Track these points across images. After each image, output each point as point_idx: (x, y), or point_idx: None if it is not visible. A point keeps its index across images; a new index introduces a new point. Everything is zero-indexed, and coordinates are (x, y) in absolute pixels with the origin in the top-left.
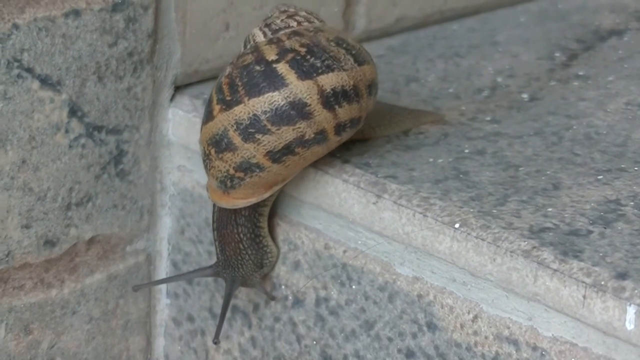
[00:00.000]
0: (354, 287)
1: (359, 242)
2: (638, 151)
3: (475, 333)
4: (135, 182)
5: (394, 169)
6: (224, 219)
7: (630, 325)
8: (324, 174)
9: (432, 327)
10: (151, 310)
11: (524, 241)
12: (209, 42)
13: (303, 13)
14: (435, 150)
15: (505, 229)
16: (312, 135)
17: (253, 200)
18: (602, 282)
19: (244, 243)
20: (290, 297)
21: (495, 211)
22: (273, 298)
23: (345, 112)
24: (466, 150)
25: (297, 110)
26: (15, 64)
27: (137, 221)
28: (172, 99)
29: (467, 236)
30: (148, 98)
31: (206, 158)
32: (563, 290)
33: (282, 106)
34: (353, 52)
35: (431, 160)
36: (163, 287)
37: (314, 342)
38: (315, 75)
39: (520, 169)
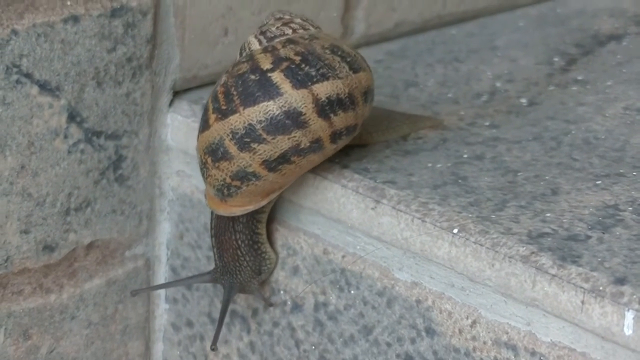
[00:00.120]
0: (352, 292)
1: (358, 247)
2: (636, 156)
3: (473, 338)
4: (134, 187)
5: (393, 174)
6: (221, 226)
7: (628, 331)
8: (322, 179)
9: (430, 332)
10: (150, 315)
11: (523, 246)
12: (208, 47)
13: (298, 20)
14: (434, 156)
15: (504, 234)
16: (308, 144)
17: (250, 208)
18: (601, 288)
19: (242, 249)
20: (289, 302)
21: (493, 216)
22: (271, 304)
23: (340, 120)
24: (465, 156)
25: (292, 120)
26: (14, 69)
27: (136, 226)
28: (170, 104)
29: (466, 241)
30: (147, 103)
31: (203, 166)
32: (561, 296)
33: (277, 115)
34: (348, 59)
35: (430, 165)
36: (162, 292)
37: (313, 347)
38: (310, 84)
39: (519, 174)
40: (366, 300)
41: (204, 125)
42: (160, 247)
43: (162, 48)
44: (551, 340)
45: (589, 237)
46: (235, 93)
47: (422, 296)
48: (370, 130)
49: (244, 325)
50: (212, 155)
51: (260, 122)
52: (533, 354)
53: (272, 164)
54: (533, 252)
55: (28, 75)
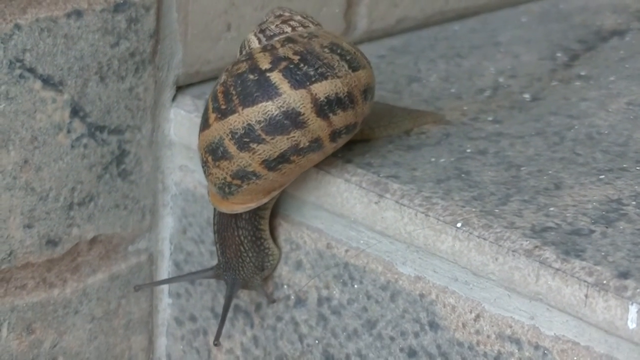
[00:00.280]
0: (356, 286)
1: (361, 241)
2: (639, 151)
3: (477, 332)
4: (137, 182)
5: (396, 169)
6: (224, 222)
7: (632, 324)
8: (325, 174)
9: (434, 326)
10: (153, 310)
11: (526, 240)
12: (211, 42)
13: (298, 17)
14: (437, 150)
15: (507, 228)
16: (307, 144)
17: (252, 205)
18: (604, 282)
19: (244, 245)
20: (293, 297)
21: (497, 211)
22: (273, 301)
23: (340, 119)
24: (468, 150)
25: (291, 120)
26: (18, 64)
27: (139, 221)
28: (173, 99)
29: (469, 235)
30: (150, 98)
31: (204, 165)
32: (565, 290)
33: (276, 116)
34: (348, 57)
35: (433, 160)
36: (165, 286)
37: (316, 342)
38: (308, 83)
39: (522, 168)
40: (370, 295)
41: (204, 124)
42: (163, 242)
43: (164, 43)
44: (555, 334)
45: (592, 231)
46: (234, 93)
47: (425, 290)
48: (372, 126)
49: (247, 320)
50: (212, 154)
51: (259, 122)
52: (537, 347)
53: (271, 164)
54: (537, 246)
55: (31, 70)
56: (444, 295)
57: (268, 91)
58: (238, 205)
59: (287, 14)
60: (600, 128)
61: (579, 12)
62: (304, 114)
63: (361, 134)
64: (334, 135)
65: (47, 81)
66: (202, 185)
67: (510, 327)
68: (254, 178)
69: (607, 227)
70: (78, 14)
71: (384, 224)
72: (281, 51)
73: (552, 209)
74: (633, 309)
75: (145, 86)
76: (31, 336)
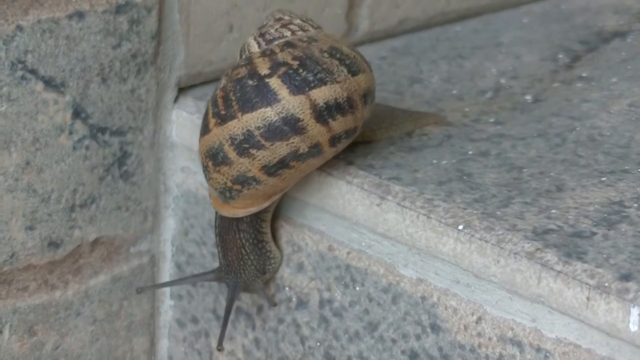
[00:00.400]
0: (357, 288)
1: (363, 243)
2: None
3: (479, 334)
4: (139, 184)
5: (398, 171)
6: (225, 225)
7: (634, 327)
8: (327, 176)
9: (435, 328)
10: (155, 312)
11: (528, 243)
12: (213, 43)
13: (298, 21)
14: (438, 152)
15: (509, 230)
16: (307, 149)
17: (253, 209)
18: (606, 284)
19: (246, 248)
20: (294, 299)
21: (499, 213)
22: (275, 304)
23: (339, 124)
24: (470, 152)
25: (290, 126)
26: (19, 65)
27: (140, 223)
28: (175, 100)
29: (471, 238)
30: (152, 100)
31: (205, 169)
32: (567, 292)
33: (275, 122)
34: (347, 62)
35: (435, 161)
36: (167, 288)
37: (318, 344)
38: (307, 89)
39: (524, 170)
40: (371, 297)
41: (205, 129)
42: (165, 244)
43: (166, 44)
44: (556, 336)
45: (594, 233)
46: (233, 98)
47: (427, 292)
48: (374, 128)
49: (249, 322)
50: (212, 159)
51: (258, 128)
52: (538, 350)
53: (271, 169)
54: (538, 249)
55: (33, 72)
56: (445, 298)
57: (267, 97)
58: (239, 210)
59: (286, 17)
60: (602, 130)
61: (580, 13)
62: (303, 119)
63: (363, 136)
64: (334, 141)
65: (49, 83)
66: (203, 186)
67: (512, 329)
68: (254, 183)
69: (609, 230)
70: (80, 15)
71: (386, 226)
72: (280, 56)
73: (553, 211)
74: (635, 311)
75: (147, 87)
76: (33, 338)
